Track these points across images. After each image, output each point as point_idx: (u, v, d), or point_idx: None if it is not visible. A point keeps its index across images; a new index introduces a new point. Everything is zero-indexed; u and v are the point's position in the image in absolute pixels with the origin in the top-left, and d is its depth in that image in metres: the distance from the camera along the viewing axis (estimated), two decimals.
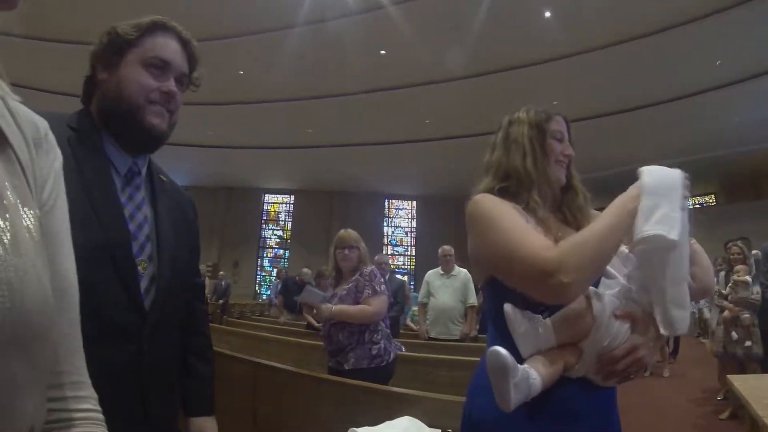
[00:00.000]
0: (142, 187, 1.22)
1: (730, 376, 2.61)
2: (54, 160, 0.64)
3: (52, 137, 0.65)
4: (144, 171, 1.25)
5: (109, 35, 1.19)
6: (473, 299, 5.40)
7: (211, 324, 1.77)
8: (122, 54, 1.17)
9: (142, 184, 1.23)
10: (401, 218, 22.48)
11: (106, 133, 1.18)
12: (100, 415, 0.62)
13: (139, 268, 1.13)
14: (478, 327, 5.69)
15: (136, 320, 1.10)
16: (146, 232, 1.18)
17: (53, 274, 0.55)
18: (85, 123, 1.17)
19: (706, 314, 8.31)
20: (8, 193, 0.51)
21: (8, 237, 0.47)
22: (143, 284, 1.14)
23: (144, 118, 1.16)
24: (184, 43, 1.24)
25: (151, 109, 1.17)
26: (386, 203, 22.26)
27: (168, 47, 1.21)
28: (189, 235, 1.35)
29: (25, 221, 0.52)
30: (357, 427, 1.65)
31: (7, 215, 0.49)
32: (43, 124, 0.64)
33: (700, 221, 5.27)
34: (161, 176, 1.32)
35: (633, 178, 1.18)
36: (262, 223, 22.17)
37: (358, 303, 3.09)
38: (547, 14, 9.87)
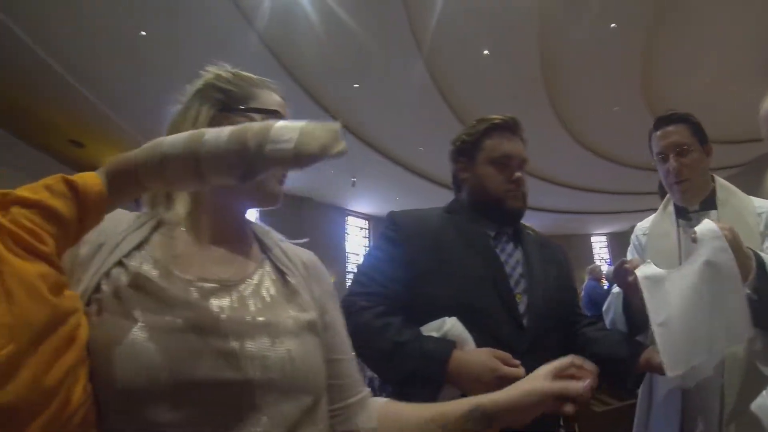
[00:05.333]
0: (510, 242, 1.53)
1: None
2: (326, 282, 0.95)
3: (320, 267, 0.97)
4: (510, 230, 1.56)
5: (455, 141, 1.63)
6: None
7: None
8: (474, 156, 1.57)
9: (510, 239, 1.54)
10: None
11: (474, 211, 1.54)
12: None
13: (517, 299, 1.41)
14: None
15: (517, 337, 1.34)
16: (519, 272, 1.46)
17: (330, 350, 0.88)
18: (456, 206, 1.58)
19: None
20: (289, 305, 0.81)
21: (290, 329, 0.77)
22: (521, 308, 1.40)
23: (506, 203, 1.51)
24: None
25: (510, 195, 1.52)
26: None
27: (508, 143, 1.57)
28: (561, 273, 1.59)
29: (300, 321, 0.80)
30: None
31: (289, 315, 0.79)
32: (311, 258, 0.97)
33: None
34: (528, 230, 1.62)
35: None
36: None
37: None
38: None
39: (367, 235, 15.47)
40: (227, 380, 0.68)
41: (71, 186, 0.60)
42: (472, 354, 1.23)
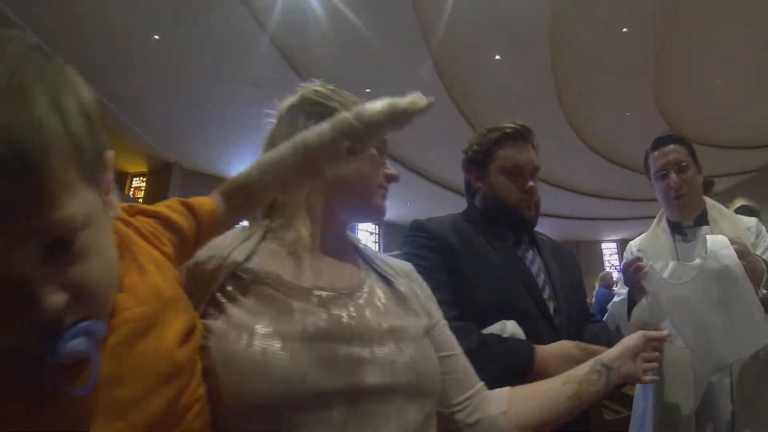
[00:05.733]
0: (530, 249, 1.55)
1: None
2: (425, 287, 1.00)
3: (416, 275, 1.01)
4: (527, 238, 1.58)
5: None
6: None
7: None
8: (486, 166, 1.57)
9: (528, 246, 1.56)
10: None
11: (489, 219, 1.55)
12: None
13: (546, 303, 1.43)
14: None
15: (555, 338, 1.33)
16: (543, 278, 1.49)
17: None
18: (475, 215, 1.58)
19: None
20: (402, 311, 0.85)
21: (411, 334, 0.80)
22: (553, 314, 1.43)
23: (519, 212, 1.53)
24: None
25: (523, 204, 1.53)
26: None
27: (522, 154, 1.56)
28: (574, 277, 1.62)
29: (418, 325, 0.85)
30: None
31: (407, 323, 0.82)
32: (408, 267, 1.01)
33: None
34: (542, 236, 1.65)
35: None
36: None
37: None
38: None
39: (377, 240, 15.45)
40: (362, 387, 0.69)
41: (186, 205, 0.68)
42: (552, 346, 1.28)
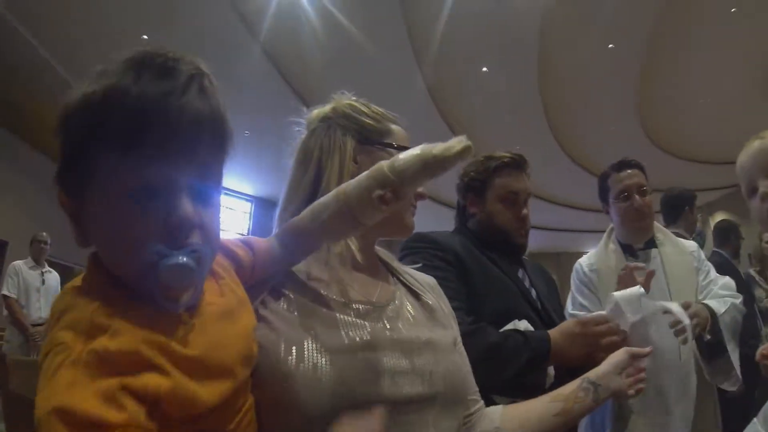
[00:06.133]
0: (519, 268, 1.64)
1: None
2: (447, 301, 1.03)
3: (440, 289, 1.04)
4: (516, 259, 1.66)
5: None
6: None
7: None
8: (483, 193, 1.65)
9: (517, 266, 1.65)
10: None
11: (482, 241, 1.62)
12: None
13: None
14: None
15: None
16: (534, 294, 1.59)
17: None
18: (468, 234, 1.65)
19: None
20: (431, 324, 0.88)
21: (444, 346, 0.84)
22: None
23: (513, 239, 1.63)
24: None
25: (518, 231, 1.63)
26: None
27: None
28: (554, 292, 1.75)
29: (449, 337, 0.89)
30: None
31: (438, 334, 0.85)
32: (432, 281, 1.05)
33: None
34: (524, 258, 1.73)
35: None
36: None
37: None
38: None
39: None
40: (404, 397, 0.71)
41: (245, 240, 0.76)
42: (558, 328, 1.37)
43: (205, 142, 0.57)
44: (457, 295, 1.35)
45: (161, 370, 0.49)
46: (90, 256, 0.57)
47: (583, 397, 0.97)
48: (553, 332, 1.34)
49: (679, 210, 2.91)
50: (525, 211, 1.63)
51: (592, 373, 1.02)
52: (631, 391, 1.04)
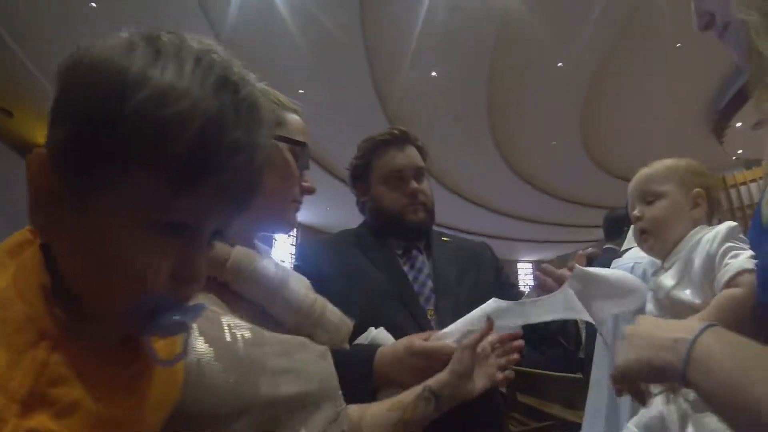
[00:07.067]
0: (420, 255, 1.47)
1: None
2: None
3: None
4: (422, 243, 1.51)
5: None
6: None
7: None
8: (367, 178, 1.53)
9: (420, 252, 1.48)
10: None
11: (379, 231, 1.50)
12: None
13: (428, 315, 1.35)
14: None
15: None
16: (430, 287, 1.41)
17: None
18: (363, 229, 1.54)
19: None
20: None
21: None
22: (432, 323, 1.34)
23: (405, 218, 1.47)
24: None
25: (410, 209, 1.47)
26: None
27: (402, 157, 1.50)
28: (481, 275, 1.51)
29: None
30: None
31: None
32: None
33: None
34: (444, 238, 1.58)
35: None
36: None
37: None
38: None
39: (294, 243, 15.13)
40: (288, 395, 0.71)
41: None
42: (394, 344, 1.20)
43: (253, 196, 0.50)
44: None
45: None
46: (39, 246, 0.46)
47: (423, 407, 0.93)
48: (384, 349, 1.18)
49: (618, 229, 3.06)
50: (414, 184, 1.48)
51: (434, 381, 0.97)
52: (500, 375, 1.03)
